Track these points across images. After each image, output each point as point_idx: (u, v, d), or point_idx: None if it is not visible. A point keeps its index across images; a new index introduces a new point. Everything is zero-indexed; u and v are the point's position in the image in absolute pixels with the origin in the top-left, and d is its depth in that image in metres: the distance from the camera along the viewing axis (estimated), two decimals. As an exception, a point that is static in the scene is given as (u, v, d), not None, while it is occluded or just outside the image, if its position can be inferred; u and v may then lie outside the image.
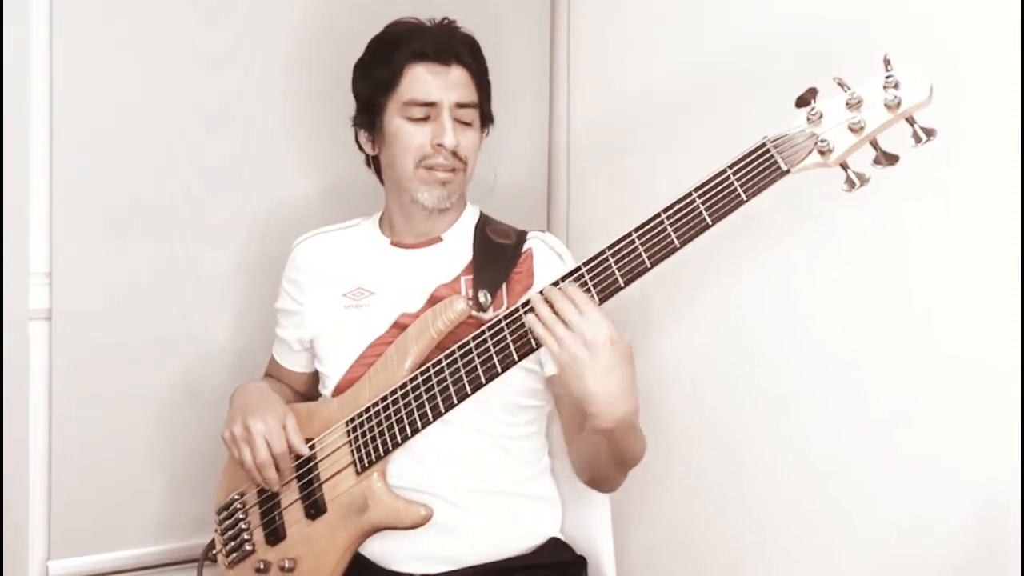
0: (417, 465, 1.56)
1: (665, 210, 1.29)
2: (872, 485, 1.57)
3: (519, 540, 1.62)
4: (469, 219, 1.69)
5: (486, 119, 1.67)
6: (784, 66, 1.65)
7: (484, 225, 1.68)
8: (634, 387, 1.35)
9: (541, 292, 1.37)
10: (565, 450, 1.70)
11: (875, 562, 1.57)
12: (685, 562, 1.90)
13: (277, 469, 1.55)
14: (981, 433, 1.43)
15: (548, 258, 1.64)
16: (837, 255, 1.62)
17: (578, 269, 1.36)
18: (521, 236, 1.66)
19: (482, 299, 1.55)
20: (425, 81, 1.58)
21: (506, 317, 1.42)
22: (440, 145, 1.57)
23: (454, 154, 1.59)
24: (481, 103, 1.64)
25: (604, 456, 1.47)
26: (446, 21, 1.65)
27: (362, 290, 1.66)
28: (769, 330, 1.73)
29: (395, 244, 1.68)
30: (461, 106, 1.59)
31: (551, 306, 1.35)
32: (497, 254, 1.63)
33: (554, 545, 1.65)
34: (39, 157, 1.75)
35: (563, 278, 1.37)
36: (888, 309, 1.54)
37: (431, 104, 1.58)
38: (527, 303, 1.40)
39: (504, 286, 1.59)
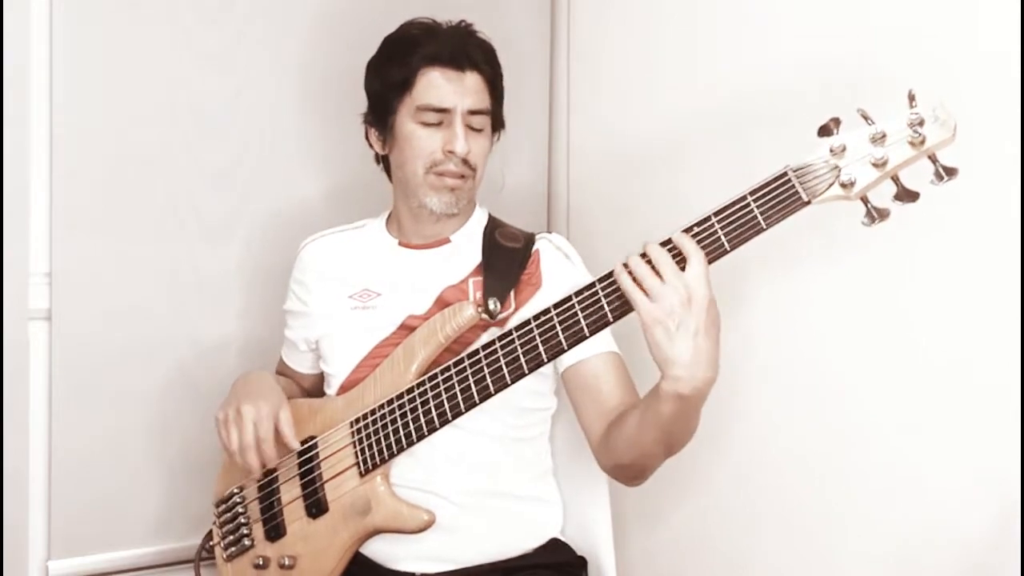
0: (419, 465, 1.56)
1: (684, 232, 1.28)
2: (874, 488, 1.59)
3: (520, 541, 1.63)
4: (478, 222, 1.69)
5: (498, 124, 1.66)
6: (782, 76, 1.66)
7: (493, 228, 1.67)
8: (718, 355, 1.28)
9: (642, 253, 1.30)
10: (566, 451, 1.72)
11: (878, 564, 1.60)
12: (685, 563, 1.92)
13: (262, 455, 1.54)
14: (984, 440, 1.45)
15: (556, 259, 1.63)
16: (838, 267, 1.63)
17: (593, 286, 1.35)
18: (530, 239, 1.66)
19: (492, 306, 1.55)
20: (439, 86, 1.57)
21: (517, 329, 1.41)
22: (451, 152, 1.57)
23: (464, 161, 1.58)
24: (494, 109, 1.63)
25: (655, 435, 1.39)
26: (463, 24, 1.63)
27: (369, 291, 1.65)
28: (771, 335, 1.75)
29: (403, 244, 1.68)
30: (474, 113, 1.58)
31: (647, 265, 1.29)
32: (506, 258, 1.63)
33: (555, 546, 1.66)
34: (39, 157, 1.74)
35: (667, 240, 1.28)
36: (889, 318, 1.56)
37: (444, 110, 1.57)
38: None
39: (512, 291, 1.59)
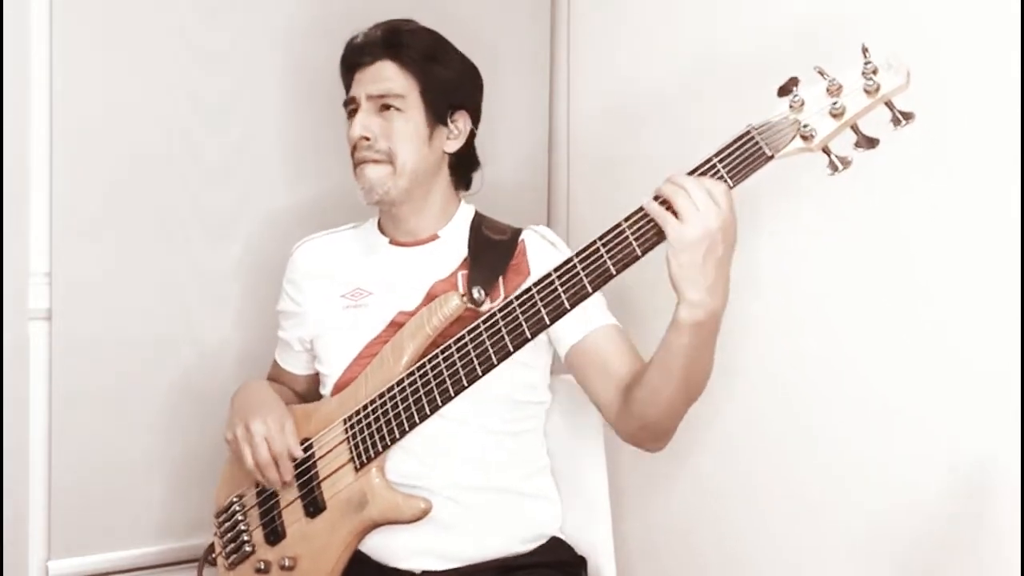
0: (416, 462, 1.57)
1: (656, 198, 1.30)
2: (875, 483, 1.58)
3: (519, 538, 1.63)
4: (464, 217, 1.71)
5: (436, 111, 1.64)
6: (781, 60, 1.67)
7: (480, 223, 1.70)
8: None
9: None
10: (563, 449, 1.72)
11: (878, 558, 1.58)
12: (685, 561, 1.91)
13: (278, 468, 1.57)
14: (978, 417, 1.44)
15: (542, 248, 1.65)
16: (832, 245, 1.64)
17: (570, 260, 1.37)
18: (516, 232, 1.68)
19: (476, 295, 1.56)
20: (351, 84, 1.66)
21: (500, 310, 1.43)
22: (353, 138, 1.63)
23: (372, 146, 1.61)
24: (424, 92, 1.63)
25: (676, 377, 1.40)
26: (399, 19, 1.68)
27: (360, 290, 1.67)
28: (766, 325, 1.75)
29: (393, 243, 1.70)
30: (376, 96, 1.62)
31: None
32: (493, 250, 1.65)
33: (554, 544, 1.66)
34: (39, 157, 1.76)
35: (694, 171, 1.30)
36: (883, 296, 1.56)
37: (352, 100, 1.64)
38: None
39: (500, 280, 1.61)
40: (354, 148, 1.63)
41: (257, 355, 1.88)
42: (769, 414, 1.74)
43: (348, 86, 1.68)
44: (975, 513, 1.44)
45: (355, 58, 1.66)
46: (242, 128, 1.92)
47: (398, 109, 1.62)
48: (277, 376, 1.82)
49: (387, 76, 1.62)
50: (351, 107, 1.65)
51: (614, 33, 2.07)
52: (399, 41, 1.64)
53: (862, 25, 1.51)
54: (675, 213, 1.28)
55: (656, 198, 1.31)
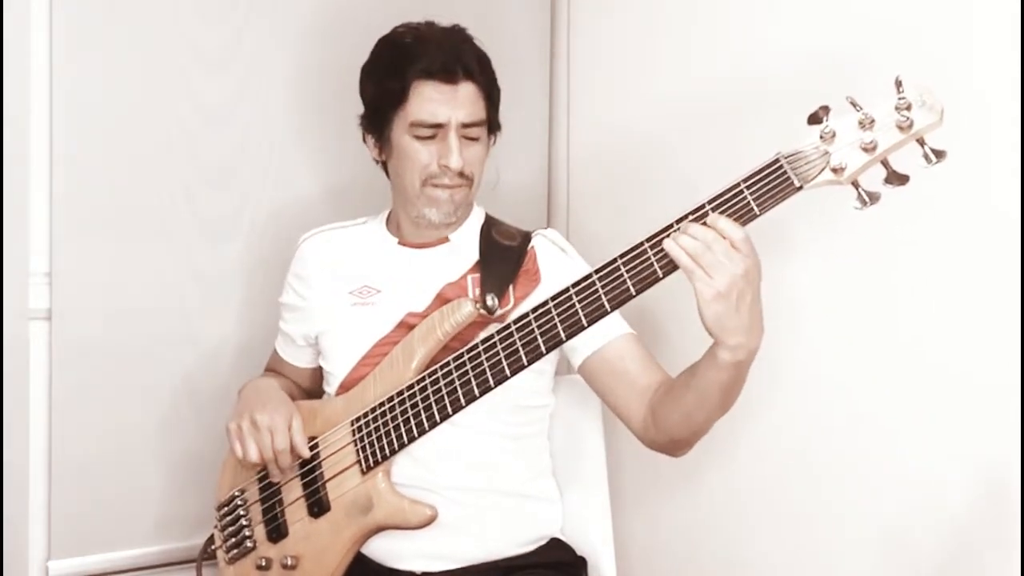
0: (420, 463, 1.57)
1: (679, 220, 1.29)
2: (873, 484, 1.60)
3: (520, 539, 1.64)
4: (475, 220, 1.70)
5: (493, 129, 1.66)
6: (780, 73, 1.67)
7: (490, 227, 1.69)
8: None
9: (679, 226, 1.29)
10: (564, 451, 1.73)
11: (877, 559, 1.60)
12: (685, 562, 1.92)
13: (278, 465, 1.56)
14: (983, 429, 1.45)
15: (552, 253, 1.65)
16: (830, 255, 1.65)
17: (589, 276, 1.36)
18: (526, 237, 1.68)
19: (490, 302, 1.56)
20: (432, 101, 1.56)
21: (515, 322, 1.43)
22: (446, 166, 1.57)
23: (460, 173, 1.59)
24: (489, 116, 1.63)
25: (714, 404, 1.42)
26: (456, 28, 1.63)
27: (369, 288, 1.66)
28: (773, 335, 1.75)
29: (402, 243, 1.69)
30: (468, 125, 1.58)
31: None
32: (503, 255, 1.64)
33: (555, 545, 1.67)
34: (39, 157, 1.75)
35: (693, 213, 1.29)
36: (885, 304, 1.57)
37: (438, 125, 1.57)
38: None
39: (511, 287, 1.60)
40: (436, 174, 1.59)
41: (257, 355, 1.87)
42: (772, 418, 1.75)
43: (403, 96, 1.57)
44: (987, 536, 1.46)
45: (443, 71, 1.56)
46: (242, 128, 1.90)
47: (475, 139, 1.60)
48: (277, 366, 1.81)
49: (475, 103, 1.59)
50: (434, 130, 1.57)
51: (615, 38, 2.06)
52: (475, 64, 1.59)
53: (863, 60, 1.51)
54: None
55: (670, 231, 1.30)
